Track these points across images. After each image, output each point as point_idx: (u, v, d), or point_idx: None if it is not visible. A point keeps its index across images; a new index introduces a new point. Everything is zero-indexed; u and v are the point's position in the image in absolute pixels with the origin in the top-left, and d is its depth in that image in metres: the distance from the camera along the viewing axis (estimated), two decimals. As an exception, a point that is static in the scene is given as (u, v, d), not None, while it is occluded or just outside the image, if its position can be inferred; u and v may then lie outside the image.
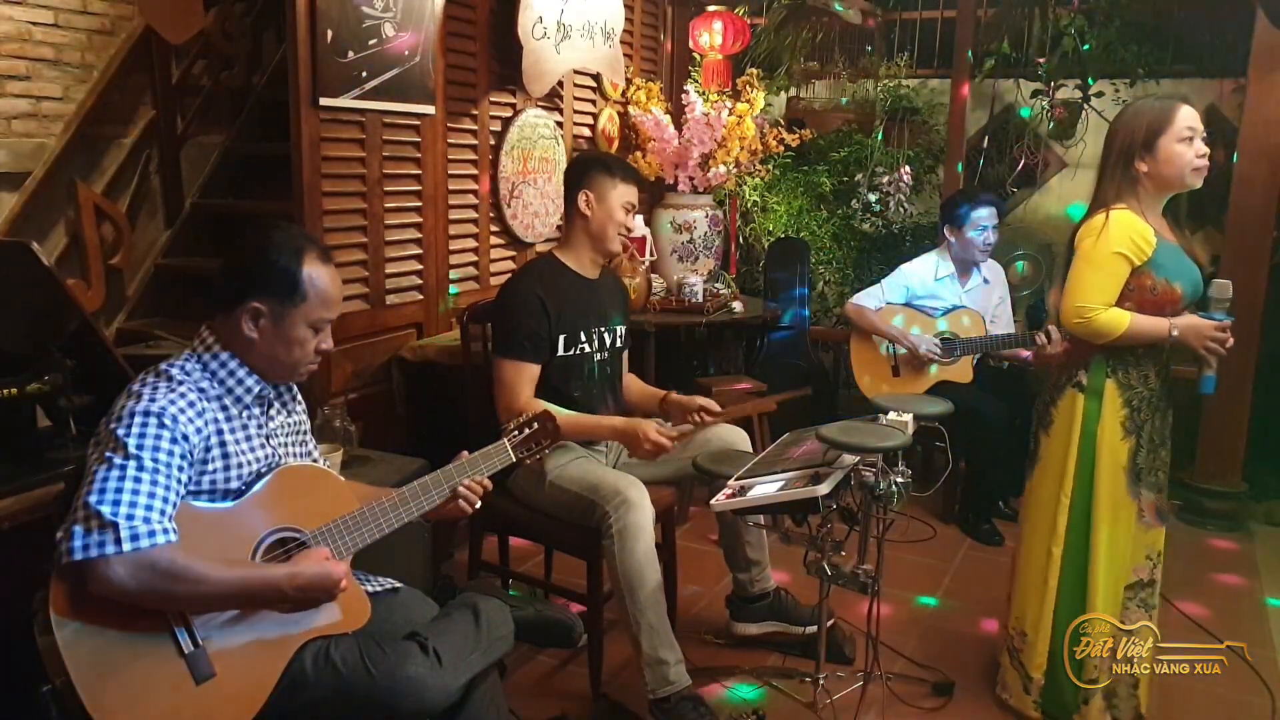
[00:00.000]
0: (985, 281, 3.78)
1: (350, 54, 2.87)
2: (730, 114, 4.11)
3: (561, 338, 2.48)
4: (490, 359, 2.50)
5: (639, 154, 4.22)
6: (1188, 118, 2.17)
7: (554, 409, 2.09)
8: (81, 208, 3.44)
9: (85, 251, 3.45)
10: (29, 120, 3.46)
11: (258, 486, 1.64)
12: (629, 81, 4.26)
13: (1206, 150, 2.18)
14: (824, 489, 2.10)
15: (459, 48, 3.38)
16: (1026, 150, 4.32)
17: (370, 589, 1.79)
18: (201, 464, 1.59)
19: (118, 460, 1.48)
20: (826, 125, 4.68)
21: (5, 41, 3.36)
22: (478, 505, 1.84)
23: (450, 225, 3.43)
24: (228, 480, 1.62)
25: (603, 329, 2.58)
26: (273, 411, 1.75)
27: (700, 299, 3.85)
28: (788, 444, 2.46)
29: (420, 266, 3.29)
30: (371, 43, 2.93)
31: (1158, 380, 2.26)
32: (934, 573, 3.29)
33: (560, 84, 3.85)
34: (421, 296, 3.32)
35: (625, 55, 4.22)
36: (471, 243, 3.56)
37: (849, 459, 2.21)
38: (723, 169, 4.11)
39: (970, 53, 4.30)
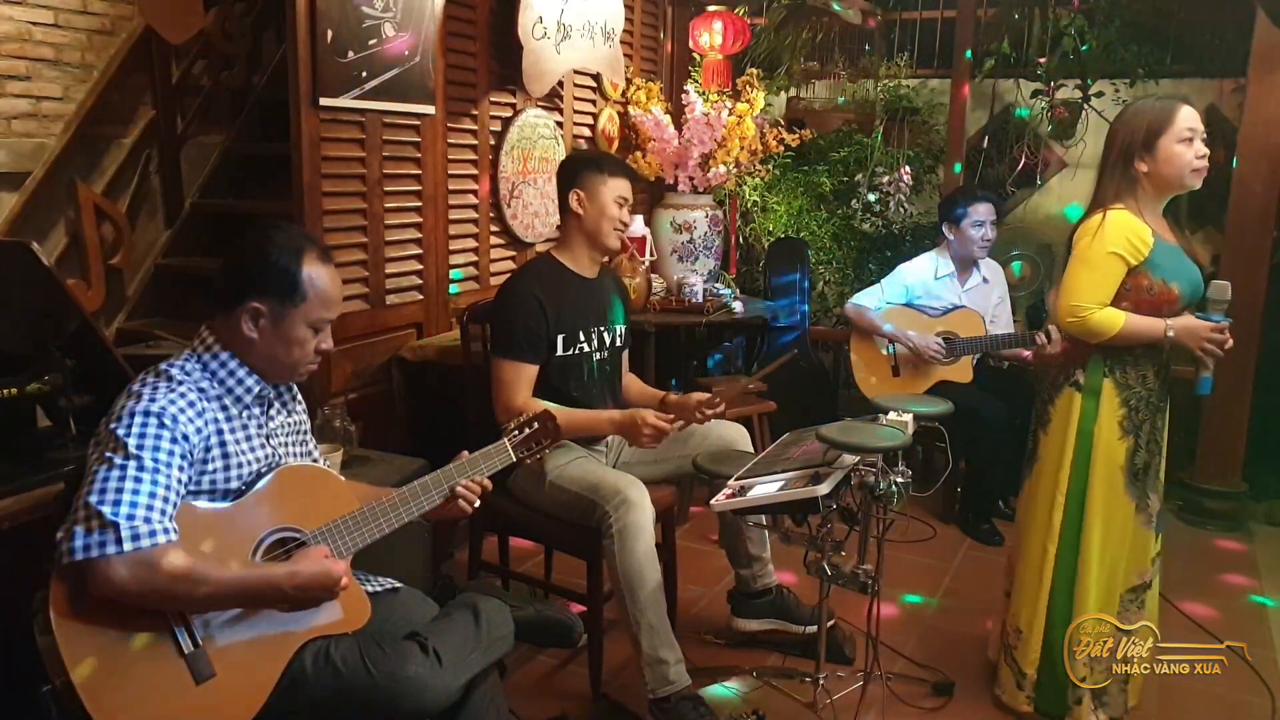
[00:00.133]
0: (984, 281, 3.78)
1: (350, 54, 2.87)
2: (730, 114, 4.11)
3: (560, 338, 2.48)
4: (489, 359, 2.50)
5: (639, 154, 4.22)
6: (1188, 118, 2.17)
7: (553, 407, 2.08)
8: (81, 208, 3.44)
9: (85, 251, 3.45)
10: (29, 120, 3.46)
11: (258, 486, 1.64)
12: (629, 81, 4.26)
13: (1206, 151, 2.18)
14: (824, 489, 2.10)
15: (459, 48, 3.38)
16: (1026, 150, 4.32)
17: (370, 589, 1.79)
18: (201, 464, 1.59)
19: (118, 460, 1.48)
20: (826, 125, 4.68)
21: (5, 41, 3.36)
22: (477, 505, 1.84)
23: (450, 225, 3.43)
24: (228, 480, 1.62)
25: (602, 328, 2.58)
26: (273, 411, 1.75)
27: (700, 299, 3.85)
28: (788, 444, 2.46)
29: (420, 266, 3.29)
30: (371, 43, 2.93)
31: (1156, 380, 2.26)
32: (934, 573, 3.29)
33: (560, 84, 3.85)
34: (421, 296, 3.32)
35: (625, 55, 4.22)
36: (471, 243, 3.56)
37: (849, 459, 2.21)
38: (723, 169, 4.11)
39: (970, 53, 4.31)
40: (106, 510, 1.44)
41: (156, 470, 1.50)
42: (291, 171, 2.83)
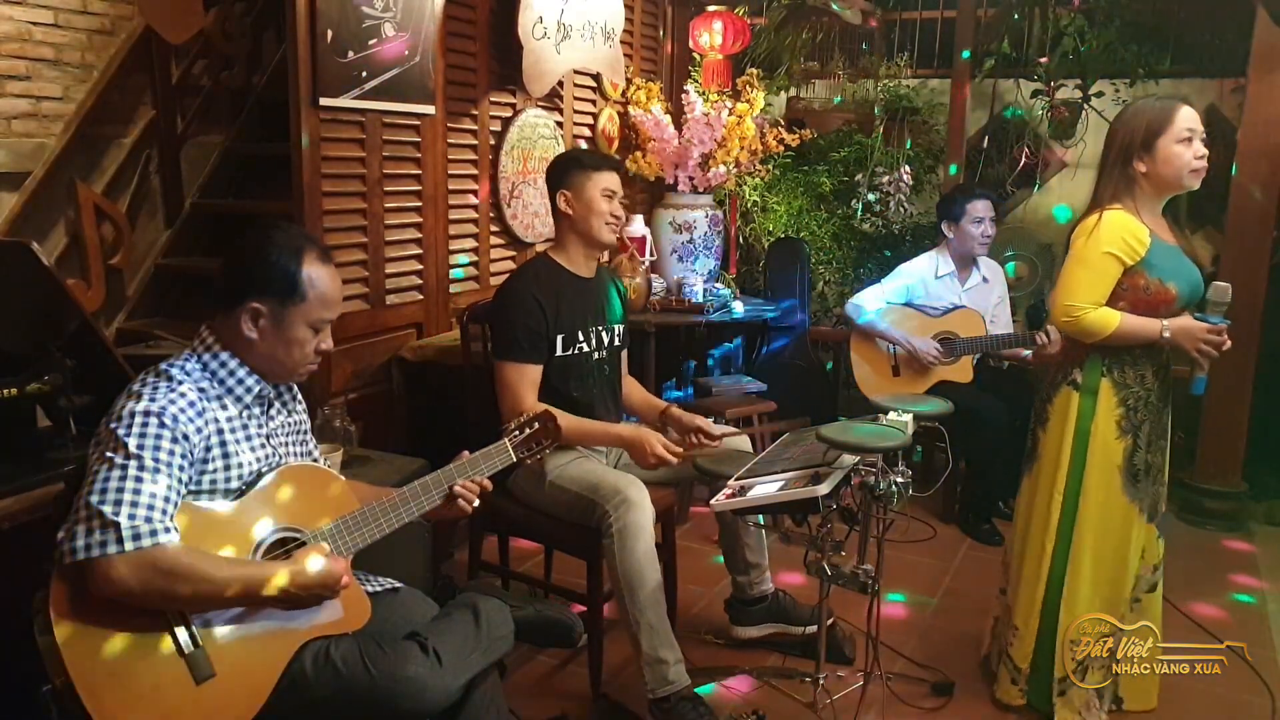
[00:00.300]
0: (984, 280, 3.78)
1: (350, 54, 2.87)
2: (730, 114, 4.11)
3: (559, 338, 2.48)
4: (490, 362, 2.50)
5: (639, 154, 4.22)
6: (1187, 119, 2.17)
7: (563, 415, 2.08)
8: (81, 208, 3.44)
9: (85, 251, 3.45)
10: (29, 120, 3.46)
11: (258, 486, 1.64)
12: (629, 81, 4.26)
13: (1205, 151, 2.18)
14: (824, 489, 2.10)
15: (459, 48, 3.38)
16: (1026, 150, 4.32)
17: (370, 589, 1.79)
18: (202, 464, 1.59)
19: (119, 460, 1.48)
20: (826, 125, 4.68)
21: (5, 41, 3.36)
22: (476, 505, 1.84)
23: (450, 225, 3.43)
24: (228, 480, 1.62)
25: (600, 328, 2.58)
26: (273, 411, 1.75)
27: (700, 299, 3.85)
28: (788, 444, 2.46)
29: (420, 266, 3.29)
30: (371, 43, 2.93)
31: (1156, 380, 2.27)
32: (934, 573, 3.29)
33: (560, 84, 3.85)
34: (421, 296, 3.32)
35: (625, 55, 4.22)
36: (471, 243, 3.56)
37: (849, 459, 2.21)
38: (723, 169, 4.11)
39: (968, 53, 4.31)
40: (107, 510, 1.45)
41: (157, 470, 1.50)
42: (291, 171, 2.83)
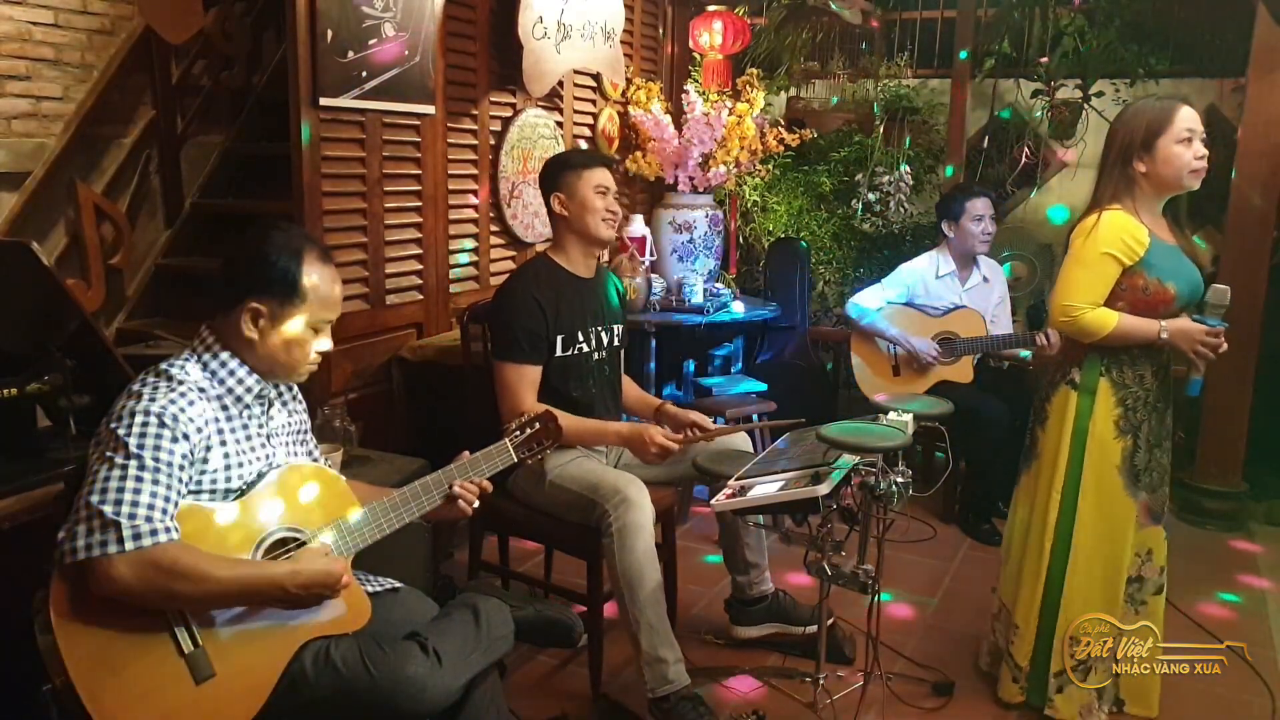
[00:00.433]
0: (985, 280, 3.78)
1: (350, 54, 2.87)
2: (730, 114, 4.11)
3: (559, 338, 2.48)
4: (490, 362, 2.50)
5: (639, 154, 4.22)
6: (1187, 119, 2.17)
7: (562, 415, 2.08)
8: (81, 208, 3.44)
9: (85, 251, 3.45)
10: (29, 120, 3.46)
11: (259, 486, 1.64)
12: (629, 81, 4.26)
13: (1205, 152, 2.18)
14: (824, 489, 2.10)
15: (459, 48, 3.38)
16: (1027, 150, 4.32)
17: (370, 589, 1.79)
18: (202, 463, 1.59)
19: (119, 460, 1.49)
20: (826, 125, 4.68)
21: (5, 41, 3.36)
22: (476, 505, 1.84)
23: (450, 225, 3.43)
24: (228, 480, 1.62)
25: (599, 328, 2.58)
26: (273, 411, 1.75)
27: (700, 299, 3.85)
28: (788, 444, 2.46)
29: (420, 266, 3.29)
30: (371, 43, 2.93)
31: (1154, 380, 2.27)
32: (934, 573, 3.29)
33: (560, 84, 3.85)
34: (421, 296, 3.32)
35: (625, 55, 4.22)
36: (471, 243, 3.56)
37: (849, 459, 2.21)
38: (723, 169, 4.11)
39: (966, 54, 4.31)
40: (108, 510, 1.45)
41: (157, 470, 1.50)
42: (291, 171, 2.83)
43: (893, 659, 2.65)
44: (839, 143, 4.62)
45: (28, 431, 2.08)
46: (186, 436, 1.55)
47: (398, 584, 1.86)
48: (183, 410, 1.56)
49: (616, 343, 2.65)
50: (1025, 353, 3.63)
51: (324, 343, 1.73)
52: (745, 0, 4.50)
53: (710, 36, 4.31)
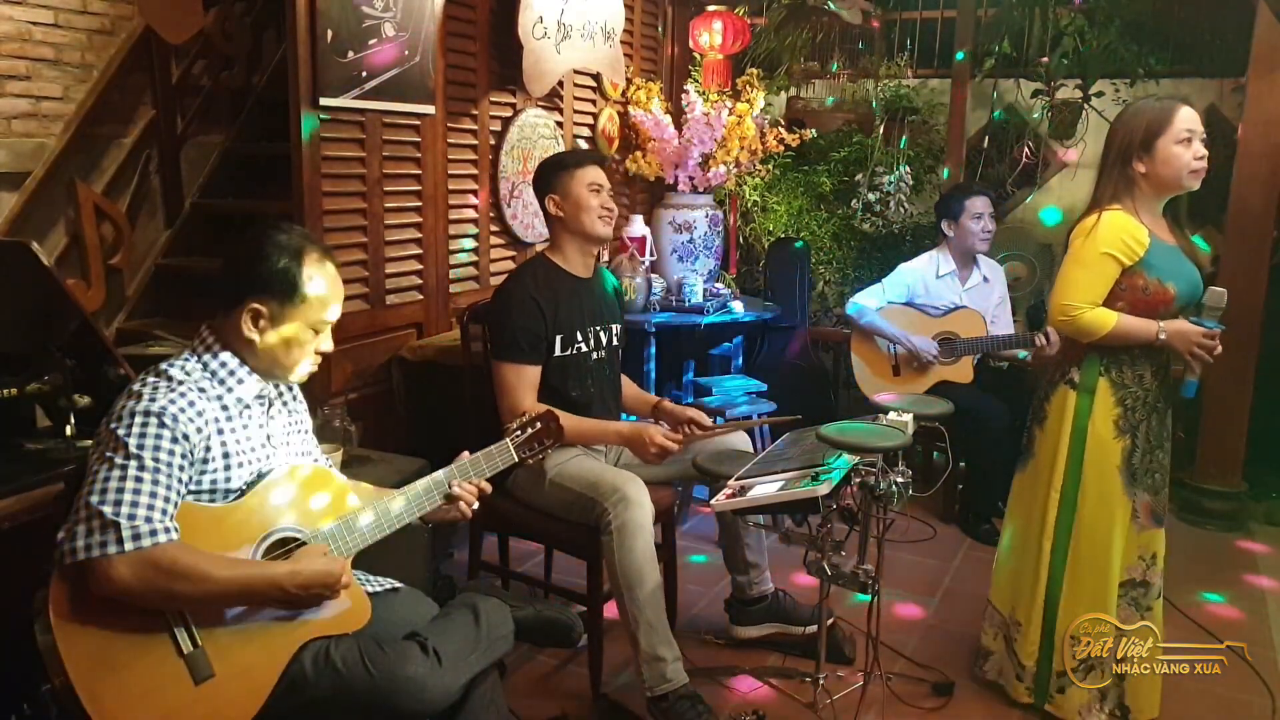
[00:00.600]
0: (985, 280, 3.78)
1: (350, 54, 2.87)
2: (730, 114, 4.11)
3: (558, 338, 2.48)
4: (490, 363, 2.50)
5: (639, 154, 4.22)
6: (1187, 119, 2.17)
7: (562, 415, 2.08)
8: (81, 208, 3.44)
9: (85, 251, 3.45)
10: (29, 120, 3.46)
11: (259, 486, 1.64)
12: (629, 81, 4.26)
13: (1205, 152, 2.18)
14: (824, 489, 2.10)
15: (459, 48, 3.38)
16: (1027, 150, 4.32)
17: (370, 589, 1.79)
18: (202, 463, 1.59)
19: (119, 460, 1.48)
20: (826, 125, 4.68)
21: (5, 41, 3.36)
22: (476, 507, 1.84)
23: (450, 225, 3.43)
24: (228, 480, 1.62)
25: (598, 328, 2.58)
26: (273, 411, 1.75)
27: (700, 299, 3.85)
28: (788, 444, 2.46)
29: (420, 266, 3.29)
30: (371, 43, 2.93)
31: (1154, 380, 2.27)
32: (934, 573, 3.29)
33: (560, 84, 3.85)
34: (421, 296, 3.32)
35: (625, 55, 4.22)
36: (471, 243, 3.56)
37: (849, 459, 2.21)
38: (723, 169, 4.11)
39: (963, 54, 4.31)
40: (108, 510, 1.45)
41: (157, 470, 1.50)
42: (291, 171, 2.83)
43: (893, 659, 2.65)
44: (839, 143, 4.62)
45: (28, 431, 2.08)
46: (186, 437, 1.55)
47: (398, 584, 1.86)
48: (183, 410, 1.56)
49: (615, 342, 2.66)
50: (1023, 353, 3.63)
51: (324, 343, 1.73)
52: (745, 0, 4.50)
53: (710, 36, 4.31)
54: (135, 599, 1.46)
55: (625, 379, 2.78)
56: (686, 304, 3.84)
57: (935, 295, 3.72)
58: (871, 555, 2.31)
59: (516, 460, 1.89)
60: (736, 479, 2.24)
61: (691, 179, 4.18)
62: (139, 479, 1.48)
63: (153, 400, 1.54)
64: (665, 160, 4.18)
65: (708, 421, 2.53)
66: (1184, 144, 2.16)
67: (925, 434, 3.25)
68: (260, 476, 1.65)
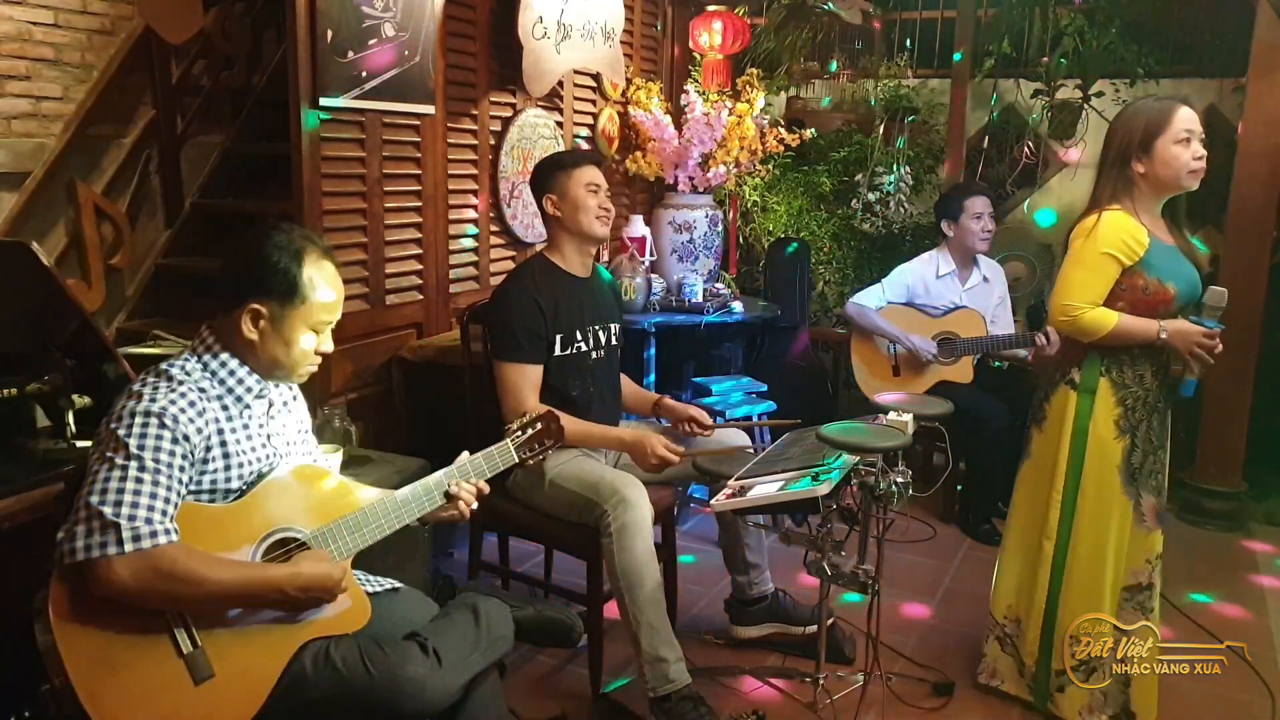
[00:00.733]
0: (985, 280, 3.78)
1: (350, 54, 2.87)
2: (730, 114, 4.11)
3: (558, 337, 2.48)
4: (490, 363, 2.50)
5: (639, 154, 4.22)
6: (1186, 119, 2.17)
7: (565, 419, 2.08)
8: (81, 208, 3.44)
9: (85, 251, 3.45)
10: (29, 120, 3.46)
11: (259, 486, 1.64)
12: (629, 81, 4.26)
13: (1204, 152, 2.18)
14: (824, 489, 2.10)
15: (459, 48, 3.38)
16: (1027, 150, 4.32)
17: (370, 589, 1.79)
18: (202, 464, 1.59)
19: (119, 460, 1.48)
20: (826, 125, 4.68)
21: (5, 41, 3.36)
22: (474, 508, 1.83)
23: (450, 225, 3.43)
24: (228, 480, 1.62)
25: (597, 327, 2.58)
26: (273, 411, 1.75)
27: (700, 299, 3.85)
28: (788, 444, 2.46)
29: (420, 266, 3.29)
30: (371, 43, 2.93)
31: (1154, 380, 2.27)
32: (934, 573, 3.29)
33: (560, 84, 3.85)
34: (421, 296, 3.31)
35: (625, 55, 4.22)
36: (471, 242, 3.56)
37: (849, 459, 2.21)
38: (723, 169, 4.11)
39: (959, 55, 4.31)
40: (108, 511, 1.45)
41: (158, 470, 1.50)
42: (291, 171, 2.83)
43: (893, 659, 2.65)
44: (839, 143, 4.62)
45: (28, 431, 2.08)
46: (187, 437, 1.55)
47: (398, 584, 1.86)
48: (183, 411, 1.56)
49: (614, 341, 2.66)
50: (1024, 351, 3.63)
51: (325, 343, 1.73)
52: (745, 0, 4.50)
53: (710, 36, 4.31)
54: (134, 600, 1.46)
55: (625, 378, 2.78)
56: (686, 304, 3.84)
57: (935, 295, 3.72)
58: (871, 555, 2.31)
59: (517, 461, 1.89)
60: (736, 479, 2.24)
61: (691, 179, 4.18)
62: (139, 479, 1.48)
63: (153, 400, 1.54)
64: (665, 160, 4.18)
65: (708, 420, 2.54)
66: (1183, 144, 2.16)
67: (925, 434, 3.25)
68: (260, 477, 1.65)
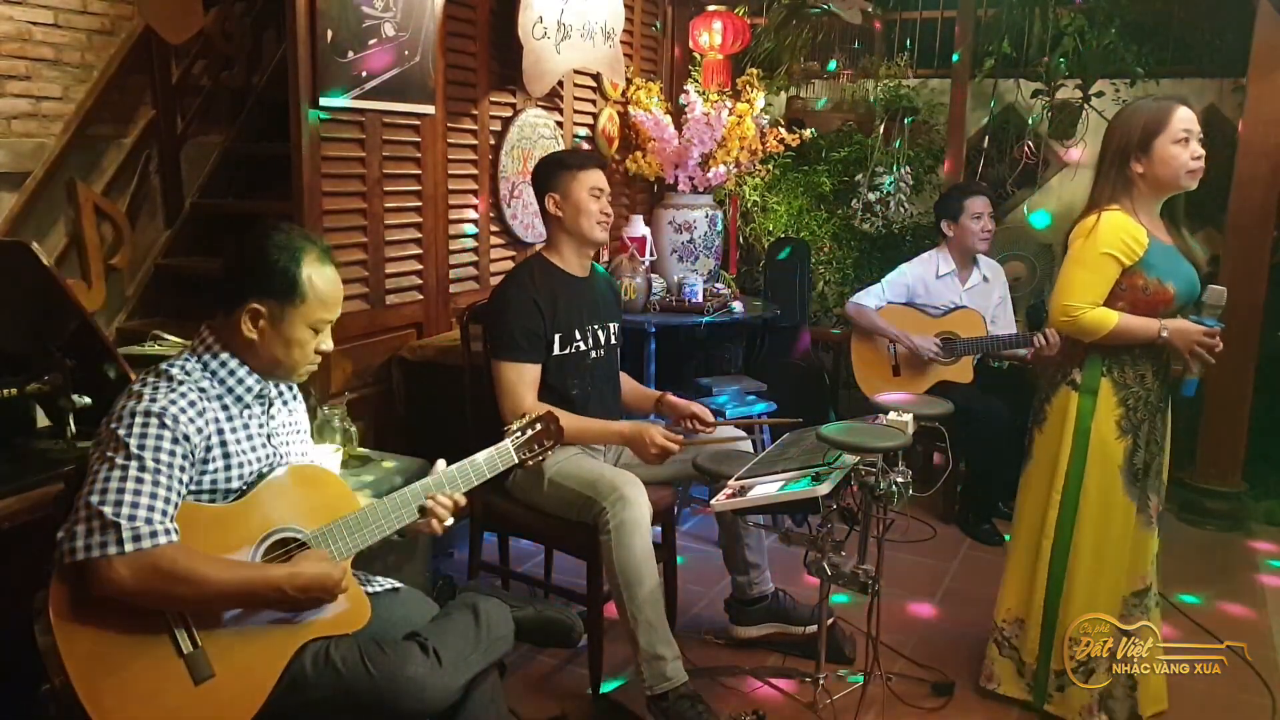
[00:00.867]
0: (985, 280, 3.78)
1: (350, 54, 2.87)
2: (730, 114, 4.11)
3: (557, 337, 2.49)
4: (489, 363, 2.50)
5: (639, 154, 4.22)
6: (1184, 119, 2.17)
7: (563, 415, 2.08)
8: (81, 208, 3.44)
9: (85, 251, 3.45)
10: (29, 120, 3.46)
11: (259, 486, 1.64)
12: (629, 81, 4.26)
13: (1202, 152, 2.19)
14: (824, 489, 2.10)
15: (459, 48, 3.38)
16: (1027, 150, 4.32)
17: (370, 589, 1.79)
18: (202, 464, 1.59)
19: (119, 460, 1.48)
20: (826, 125, 4.68)
21: (5, 41, 3.36)
22: (450, 524, 1.77)
23: (450, 225, 3.43)
24: (229, 480, 1.62)
25: (596, 326, 2.58)
26: (273, 411, 1.75)
27: (700, 299, 3.86)
28: (788, 444, 2.46)
29: (420, 266, 3.29)
30: (371, 42, 2.93)
31: (1155, 380, 2.27)
32: (934, 573, 3.29)
33: (560, 84, 3.85)
34: (421, 296, 3.31)
35: (625, 55, 4.22)
36: (471, 242, 3.56)
37: (849, 459, 2.21)
38: (723, 169, 4.11)
39: (957, 56, 4.31)
40: (108, 510, 1.45)
41: (158, 470, 1.50)
42: (291, 171, 2.83)
43: (893, 659, 2.65)
44: (839, 143, 4.62)
45: (28, 431, 2.08)
46: (187, 437, 1.55)
47: (398, 584, 1.86)
48: (183, 411, 1.56)
49: (614, 340, 2.66)
50: (1023, 351, 3.63)
51: (324, 342, 1.73)
52: (745, 0, 4.50)
53: (710, 36, 4.31)
54: (134, 600, 1.46)
55: (627, 377, 2.78)
56: (686, 304, 3.85)
57: (935, 295, 3.72)
58: (871, 555, 2.31)
59: (516, 461, 1.89)
60: (736, 479, 2.24)
61: (691, 179, 4.18)
62: (139, 479, 1.48)
63: (153, 400, 1.54)
64: (665, 160, 4.18)
65: (710, 417, 2.54)
66: (1181, 144, 2.17)
67: (925, 434, 3.24)
68: (261, 477, 1.65)
